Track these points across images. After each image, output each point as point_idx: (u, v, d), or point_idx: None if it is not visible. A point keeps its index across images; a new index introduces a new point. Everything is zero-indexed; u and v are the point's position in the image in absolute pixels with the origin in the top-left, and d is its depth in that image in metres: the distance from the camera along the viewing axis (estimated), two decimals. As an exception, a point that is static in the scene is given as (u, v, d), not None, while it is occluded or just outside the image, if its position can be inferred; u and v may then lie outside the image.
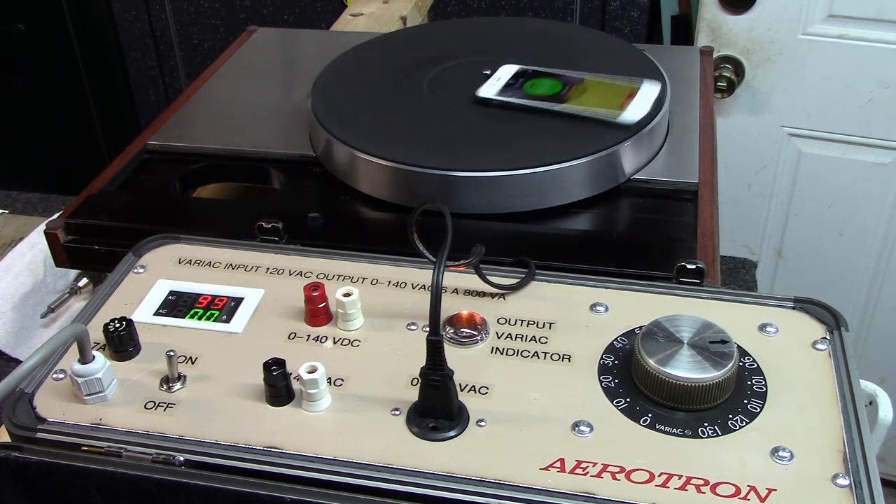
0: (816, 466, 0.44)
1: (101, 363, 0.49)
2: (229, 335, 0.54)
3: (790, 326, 0.53)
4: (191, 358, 0.52)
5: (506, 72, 0.78)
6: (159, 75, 2.06)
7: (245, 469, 0.45)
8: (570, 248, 0.65)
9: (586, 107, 0.72)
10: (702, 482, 0.43)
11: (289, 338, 0.53)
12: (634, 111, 0.71)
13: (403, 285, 0.57)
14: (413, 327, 0.54)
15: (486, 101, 0.75)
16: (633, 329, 0.53)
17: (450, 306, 0.54)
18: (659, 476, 0.44)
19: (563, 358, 0.51)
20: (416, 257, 0.55)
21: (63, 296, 0.91)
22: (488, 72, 0.79)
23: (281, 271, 0.59)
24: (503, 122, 0.73)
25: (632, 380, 0.49)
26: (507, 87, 0.76)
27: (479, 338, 0.53)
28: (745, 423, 0.47)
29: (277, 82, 0.91)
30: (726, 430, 0.46)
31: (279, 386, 0.48)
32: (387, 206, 0.69)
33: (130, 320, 0.52)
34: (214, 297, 0.57)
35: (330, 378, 0.50)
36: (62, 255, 0.69)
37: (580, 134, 0.70)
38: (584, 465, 0.45)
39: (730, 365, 0.47)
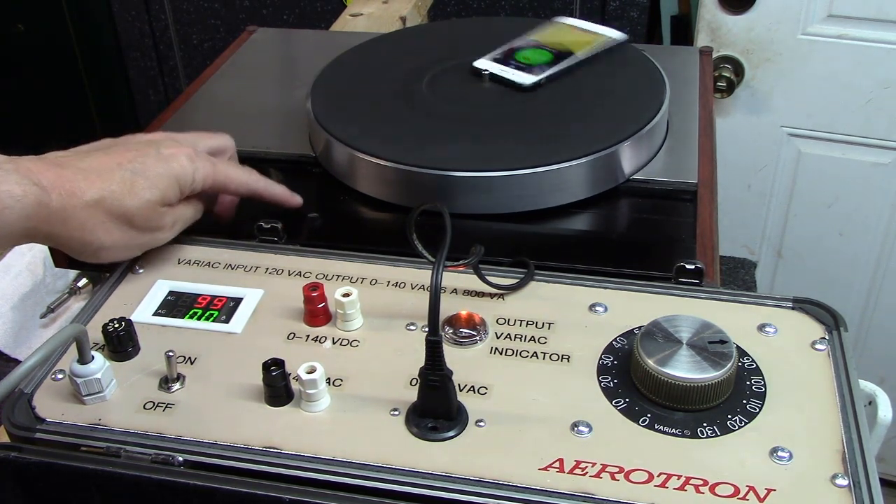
0: (815, 466, 0.44)
1: (100, 363, 0.49)
2: (228, 335, 0.54)
3: (789, 327, 0.53)
4: (190, 358, 0.52)
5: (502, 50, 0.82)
6: (159, 75, 2.06)
7: (244, 469, 0.45)
8: (569, 248, 0.65)
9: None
10: (701, 482, 0.43)
11: (288, 338, 0.53)
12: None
13: (402, 285, 0.57)
14: (412, 327, 0.54)
15: (481, 72, 0.79)
16: (633, 329, 0.53)
17: (449, 306, 0.54)
18: (658, 476, 0.44)
19: (563, 358, 0.51)
20: (415, 257, 0.55)
21: (62, 296, 0.91)
22: (488, 72, 0.79)
23: (280, 271, 0.59)
24: (503, 123, 0.73)
25: (631, 380, 0.49)
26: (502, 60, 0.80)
27: (478, 338, 0.53)
28: (744, 423, 0.47)
29: (277, 82, 0.91)
30: (725, 431, 0.46)
31: (278, 386, 0.48)
32: (386, 206, 0.69)
33: (129, 320, 0.52)
34: (213, 297, 0.57)
35: (329, 378, 0.50)
36: (61, 255, 0.69)
37: (580, 134, 0.70)
38: (583, 465, 0.45)
39: (729, 365, 0.47)
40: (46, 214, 0.52)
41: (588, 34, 0.84)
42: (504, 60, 0.80)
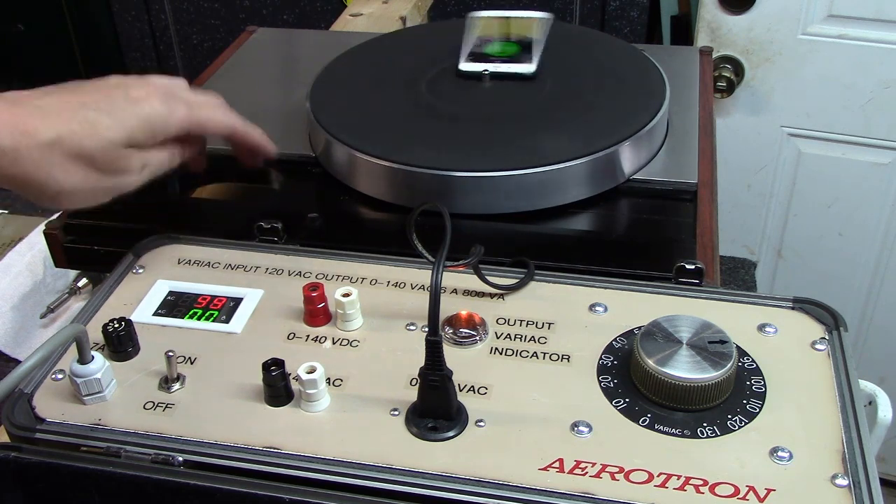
0: (815, 467, 0.44)
1: (100, 363, 0.49)
2: (228, 335, 0.54)
3: (789, 326, 0.53)
4: (190, 358, 0.52)
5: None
6: (159, 75, 2.06)
7: (244, 469, 0.45)
8: (569, 248, 0.65)
9: None
10: (701, 482, 0.43)
11: (288, 338, 0.53)
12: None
13: (402, 285, 0.57)
14: (412, 327, 0.54)
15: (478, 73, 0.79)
16: (632, 329, 0.53)
17: (449, 306, 0.54)
18: (658, 476, 0.44)
19: (562, 358, 0.51)
20: (415, 257, 0.55)
21: (62, 296, 0.91)
22: (487, 71, 0.79)
23: (280, 271, 0.59)
24: (502, 123, 0.73)
25: (631, 380, 0.49)
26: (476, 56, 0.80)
27: (478, 338, 0.53)
28: (744, 423, 0.47)
29: (277, 82, 0.91)
30: (725, 431, 0.46)
31: (278, 386, 0.48)
32: (386, 206, 0.69)
33: (129, 320, 0.52)
34: (213, 297, 0.57)
35: (329, 378, 0.50)
36: (61, 255, 0.69)
37: (579, 134, 0.70)
38: (583, 465, 0.45)
39: (729, 365, 0.47)
40: None
41: (516, 19, 0.84)
42: (485, 59, 0.80)
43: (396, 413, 0.48)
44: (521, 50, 0.81)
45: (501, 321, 0.54)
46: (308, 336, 0.54)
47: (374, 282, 0.58)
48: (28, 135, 0.51)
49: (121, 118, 0.54)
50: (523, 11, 0.85)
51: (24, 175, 0.51)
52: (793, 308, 0.54)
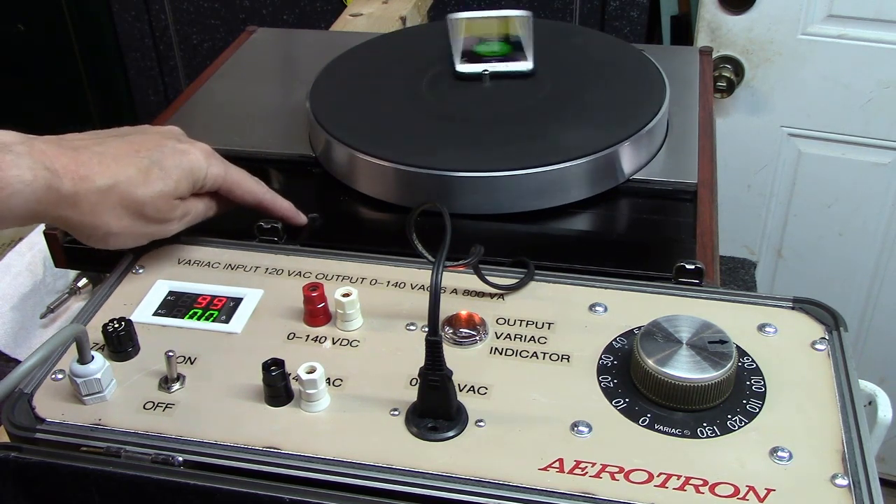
0: (815, 467, 0.44)
1: (100, 363, 0.49)
2: (228, 335, 0.54)
3: (789, 326, 0.53)
4: (190, 358, 0.52)
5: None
6: (159, 75, 2.06)
7: (244, 469, 0.45)
8: (569, 248, 0.65)
9: None
10: (700, 482, 0.43)
11: (288, 338, 0.54)
12: None
13: (402, 285, 0.57)
14: (412, 327, 0.54)
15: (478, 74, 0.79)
16: (632, 329, 0.53)
17: (449, 306, 0.54)
18: (658, 476, 0.44)
19: (562, 358, 0.51)
20: (415, 257, 0.55)
21: (62, 296, 0.91)
22: (487, 72, 0.79)
23: (280, 271, 0.59)
24: (502, 123, 0.73)
25: (631, 380, 0.49)
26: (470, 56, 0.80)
27: (478, 338, 0.53)
28: (744, 423, 0.47)
29: (277, 82, 0.91)
30: (725, 431, 0.46)
31: (278, 386, 0.48)
32: (386, 206, 0.69)
33: (129, 320, 0.52)
34: (213, 297, 0.57)
35: (329, 378, 0.50)
36: (61, 255, 0.69)
37: (579, 134, 0.70)
38: (582, 465, 0.45)
39: (729, 365, 0.47)
40: (57, 198, 0.52)
41: (499, 19, 0.85)
42: (480, 59, 0.80)
43: (396, 413, 0.48)
44: (513, 49, 0.81)
45: (501, 321, 0.54)
46: (308, 336, 0.54)
47: (374, 282, 0.58)
48: (87, 180, 0.53)
49: (169, 168, 0.57)
50: (502, 11, 0.85)
51: (79, 217, 0.54)
52: (793, 308, 0.54)
